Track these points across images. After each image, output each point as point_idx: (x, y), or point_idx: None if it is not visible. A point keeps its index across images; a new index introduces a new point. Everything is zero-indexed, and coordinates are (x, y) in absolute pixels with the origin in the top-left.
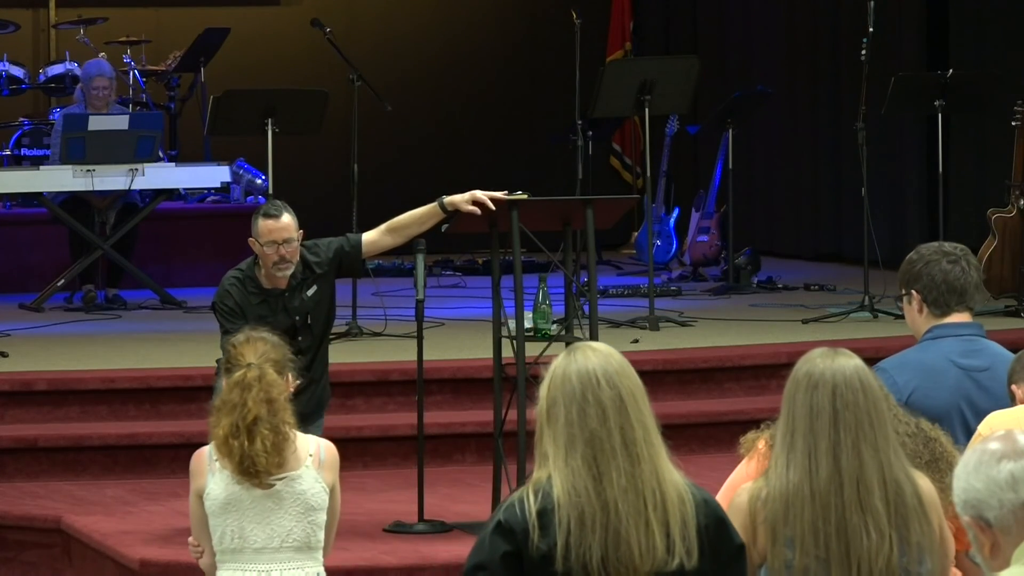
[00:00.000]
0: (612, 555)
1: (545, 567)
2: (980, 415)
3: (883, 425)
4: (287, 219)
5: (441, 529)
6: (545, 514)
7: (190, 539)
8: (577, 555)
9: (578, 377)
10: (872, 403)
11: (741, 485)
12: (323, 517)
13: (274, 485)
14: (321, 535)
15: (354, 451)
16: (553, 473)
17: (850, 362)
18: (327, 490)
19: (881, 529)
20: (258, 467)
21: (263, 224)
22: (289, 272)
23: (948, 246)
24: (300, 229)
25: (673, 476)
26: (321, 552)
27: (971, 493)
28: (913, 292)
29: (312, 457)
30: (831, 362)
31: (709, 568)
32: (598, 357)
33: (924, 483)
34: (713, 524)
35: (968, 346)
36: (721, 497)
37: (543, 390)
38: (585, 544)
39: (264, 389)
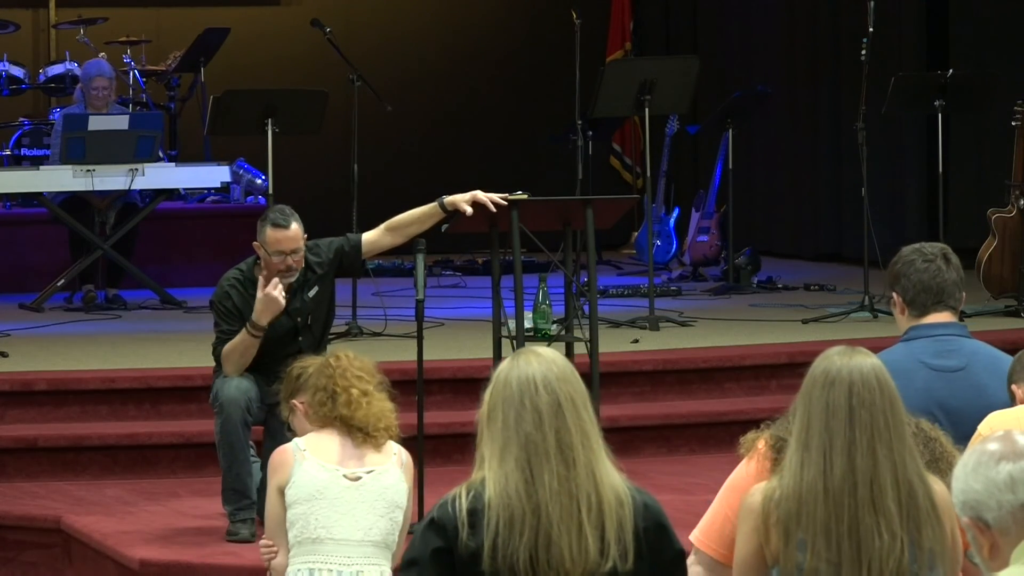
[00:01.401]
0: (541, 557)
1: (473, 565)
2: (952, 415)
3: (899, 425)
4: (296, 228)
5: None
6: (475, 513)
7: (262, 540)
8: (504, 555)
9: (517, 382)
10: (889, 402)
11: (741, 485)
12: (401, 517)
13: (360, 478)
14: (397, 536)
15: None
16: (487, 475)
17: (867, 360)
18: (408, 491)
19: (893, 531)
20: (382, 424)
21: (272, 234)
22: (294, 279)
23: (928, 246)
24: (305, 234)
25: (612, 479)
26: (391, 555)
27: (970, 494)
28: (894, 294)
29: (396, 456)
30: (848, 360)
31: (647, 571)
32: (540, 363)
33: (939, 487)
34: (652, 528)
35: (942, 346)
36: (721, 497)
37: (486, 394)
38: (512, 545)
39: (356, 363)
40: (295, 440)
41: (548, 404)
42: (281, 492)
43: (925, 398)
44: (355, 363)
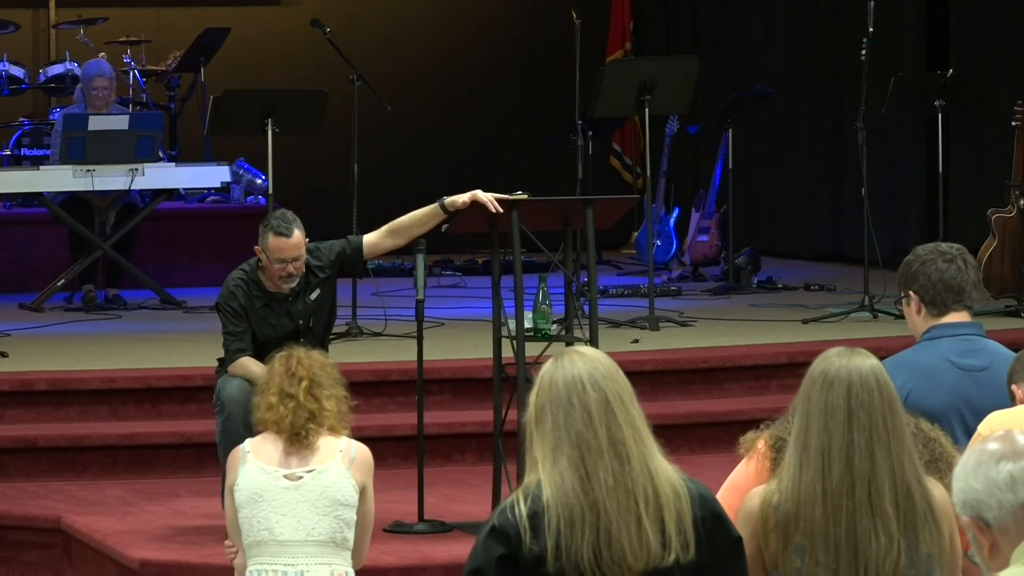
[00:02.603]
0: (604, 554)
1: (538, 568)
2: (979, 415)
3: (898, 427)
4: (298, 236)
5: (441, 529)
6: (535, 517)
7: (226, 541)
8: (568, 555)
9: (564, 382)
10: (888, 404)
11: (741, 485)
12: (352, 515)
13: (302, 478)
14: (350, 534)
15: None
16: (542, 476)
17: (867, 361)
18: (356, 488)
19: (890, 533)
20: (324, 423)
21: (274, 241)
22: (295, 284)
23: (944, 246)
24: (306, 238)
25: (667, 472)
26: (350, 554)
27: (970, 494)
28: (911, 293)
29: (342, 453)
30: (847, 361)
31: (707, 561)
32: (584, 362)
33: (937, 491)
34: (709, 517)
35: (966, 346)
36: (721, 497)
37: (532, 397)
38: (575, 544)
39: (302, 362)
40: (246, 441)
41: (597, 402)
42: (232, 492)
43: (954, 397)
44: (301, 362)
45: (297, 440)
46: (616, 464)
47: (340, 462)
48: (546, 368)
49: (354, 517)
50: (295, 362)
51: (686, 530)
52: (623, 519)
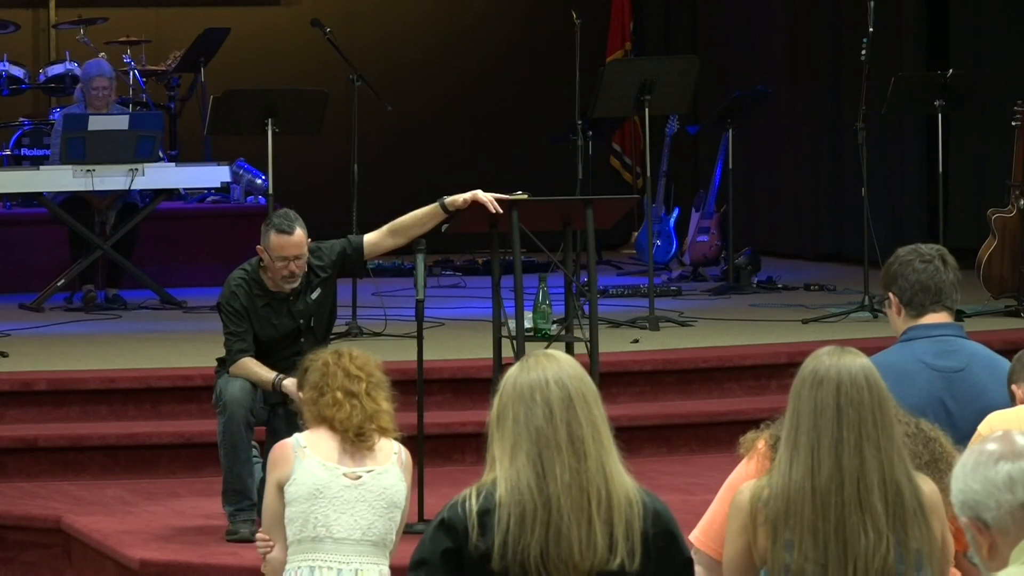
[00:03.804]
0: (552, 552)
1: (483, 565)
2: (952, 416)
3: (888, 425)
4: (299, 234)
5: None
6: (486, 514)
7: (259, 533)
8: (514, 552)
9: (528, 381)
10: (877, 402)
11: (741, 484)
12: (400, 517)
13: (361, 477)
14: (395, 536)
15: None
16: (499, 474)
17: (856, 360)
18: (407, 491)
19: (879, 529)
20: (372, 426)
21: (275, 240)
22: (297, 283)
23: (924, 247)
24: (309, 238)
25: (623, 479)
26: (389, 552)
27: (968, 494)
28: (890, 294)
29: (396, 455)
30: (837, 360)
31: (654, 574)
32: (551, 362)
33: (927, 487)
34: (662, 534)
35: (942, 347)
36: (721, 497)
37: (496, 398)
38: (524, 542)
39: (356, 361)
40: (296, 436)
41: (559, 398)
42: (280, 488)
43: (927, 398)
44: (356, 361)
45: (359, 440)
46: (573, 461)
47: (396, 464)
48: (511, 371)
49: (399, 519)
50: (348, 360)
51: (634, 538)
52: (574, 516)
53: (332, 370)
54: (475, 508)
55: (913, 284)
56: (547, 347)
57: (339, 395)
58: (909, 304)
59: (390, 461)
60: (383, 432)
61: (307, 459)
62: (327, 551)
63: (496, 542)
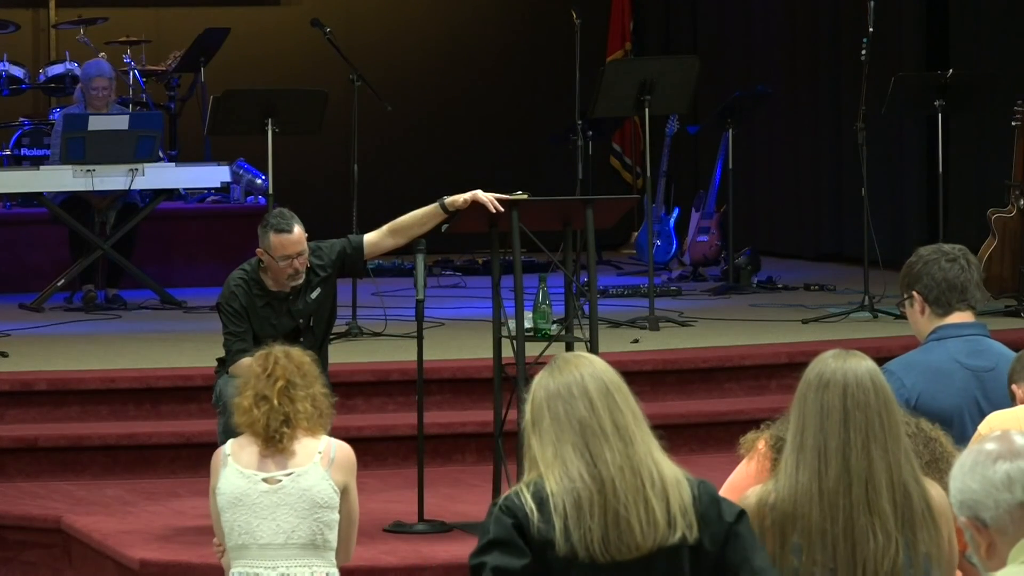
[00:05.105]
0: (612, 535)
1: (547, 552)
2: (985, 415)
3: (894, 427)
4: (298, 231)
5: (441, 529)
6: (541, 503)
7: (214, 540)
8: (578, 537)
9: (563, 381)
10: (884, 404)
11: (741, 485)
12: (333, 516)
13: (280, 481)
14: (332, 535)
15: (354, 451)
16: (543, 471)
17: (862, 363)
18: (336, 489)
19: (888, 531)
20: (300, 424)
21: (276, 239)
22: (301, 281)
23: (947, 247)
24: (307, 235)
25: (667, 461)
26: (333, 554)
27: (967, 494)
28: (914, 293)
29: (321, 455)
30: (843, 363)
31: (710, 543)
32: (582, 361)
33: (935, 491)
34: (711, 502)
35: (973, 346)
36: None
37: (527, 404)
38: (584, 526)
39: (292, 360)
40: (226, 444)
41: (597, 390)
42: (215, 496)
43: (963, 397)
44: (279, 362)
45: (272, 444)
46: (621, 445)
47: (319, 464)
48: (540, 375)
49: (335, 518)
50: (272, 362)
51: (689, 511)
52: (631, 497)
53: (252, 373)
54: (529, 496)
55: (940, 283)
56: (547, 347)
57: (247, 402)
58: (936, 303)
59: (312, 461)
60: (309, 431)
61: (228, 467)
62: (252, 557)
63: (557, 527)
